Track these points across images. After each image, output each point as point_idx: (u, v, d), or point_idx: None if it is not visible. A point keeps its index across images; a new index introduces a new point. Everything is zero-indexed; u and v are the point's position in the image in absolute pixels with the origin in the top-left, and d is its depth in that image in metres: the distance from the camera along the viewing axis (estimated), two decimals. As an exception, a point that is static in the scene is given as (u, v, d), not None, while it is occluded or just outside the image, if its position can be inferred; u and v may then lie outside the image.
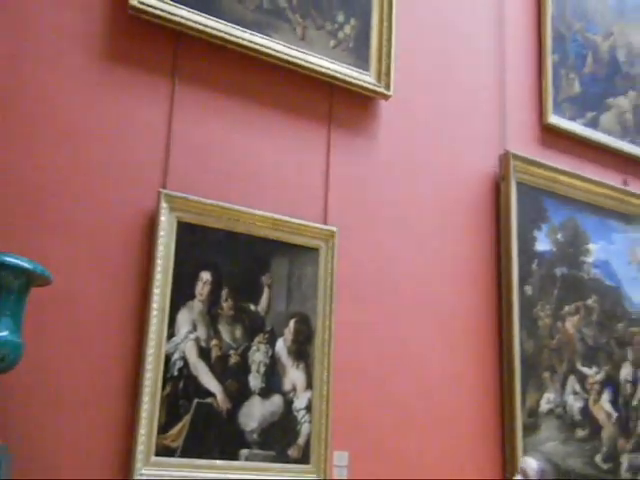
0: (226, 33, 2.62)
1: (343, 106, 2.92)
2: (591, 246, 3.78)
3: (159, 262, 2.34)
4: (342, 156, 2.89)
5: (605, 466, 3.55)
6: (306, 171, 2.78)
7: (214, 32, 2.59)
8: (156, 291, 2.33)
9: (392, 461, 2.84)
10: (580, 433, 3.53)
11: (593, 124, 3.80)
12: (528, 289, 3.49)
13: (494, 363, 3.30)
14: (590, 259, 3.77)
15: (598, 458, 3.55)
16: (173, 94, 2.51)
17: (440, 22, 3.41)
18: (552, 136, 3.67)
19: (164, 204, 2.38)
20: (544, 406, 3.43)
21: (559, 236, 3.66)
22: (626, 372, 3.78)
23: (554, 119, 3.61)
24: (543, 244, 3.59)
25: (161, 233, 2.37)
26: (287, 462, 2.59)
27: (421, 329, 3.04)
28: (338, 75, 2.86)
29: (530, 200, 3.54)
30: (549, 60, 3.58)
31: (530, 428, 3.33)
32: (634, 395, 3.78)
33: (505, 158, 3.41)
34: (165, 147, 2.45)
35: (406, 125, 3.15)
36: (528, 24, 3.70)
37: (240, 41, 2.66)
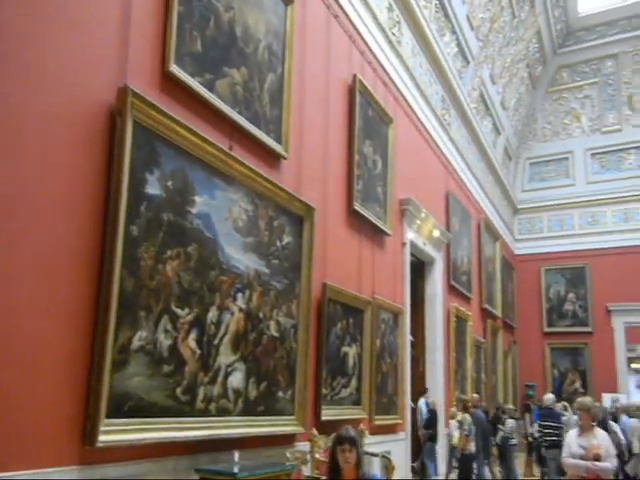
0: None
1: None
2: (196, 198, 3.84)
3: None
4: None
5: (184, 397, 3.65)
6: None
7: None
8: None
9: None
10: (166, 369, 3.53)
11: (210, 86, 3.88)
12: (134, 229, 3.32)
13: (90, 298, 3.01)
14: (194, 210, 3.82)
15: (179, 391, 3.62)
16: None
17: None
18: (172, 86, 3.59)
19: None
20: (136, 343, 3.31)
21: (169, 183, 3.60)
22: (212, 315, 3.98)
23: (175, 69, 3.53)
24: (153, 188, 3.47)
25: None
26: None
27: (12, 253, 2.54)
28: None
29: (145, 142, 3.37)
30: (175, 9, 3.47)
31: (120, 364, 3.17)
32: (216, 335, 4.01)
33: (123, 92, 3.15)
34: None
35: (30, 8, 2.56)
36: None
37: None
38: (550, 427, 7.51)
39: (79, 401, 2.89)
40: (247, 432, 4.20)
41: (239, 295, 4.27)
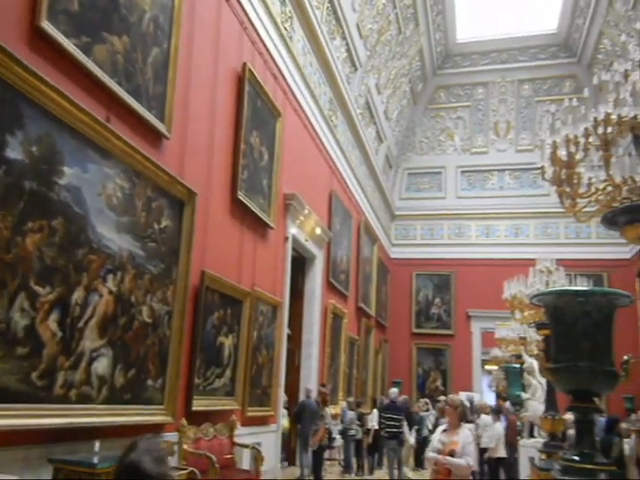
0: None
1: None
2: (66, 169, 3.55)
3: None
4: None
5: (40, 383, 3.34)
6: None
7: None
8: None
9: None
10: (21, 351, 3.21)
11: (86, 50, 3.60)
12: (-10, 196, 2.99)
13: None
14: (63, 181, 3.52)
15: (34, 375, 3.30)
16: None
17: None
18: (43, 44, 3.28)
19: None
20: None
21: (34, 149, 3.28)
22: (78, 296, 3.68)
23: (47, 25, 3.22)
24: (15, 152, 3.15)
25: None
26: None
27: None
28: None
29: (7, 101, 3.05)
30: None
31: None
32: (81, 318, 3.72)
33: (-16, 42, 2.82)
34: None
35: None
36: None
37: None
38: (392, 419, 7.86)
39: None
40: (111, 421, 3.94)
41: (109, 277, 4.00)
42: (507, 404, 10.10)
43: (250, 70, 6.13)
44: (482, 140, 15.86)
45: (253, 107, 6.35)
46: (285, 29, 7.12)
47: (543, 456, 5.40)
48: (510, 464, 8.25)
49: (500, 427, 7.71)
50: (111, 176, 3.98)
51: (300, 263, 8.91)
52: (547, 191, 13.00)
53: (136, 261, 4.28)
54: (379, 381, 14.01)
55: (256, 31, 6.40)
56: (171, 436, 4.63)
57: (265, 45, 6.68)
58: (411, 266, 15.81)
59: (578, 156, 3.25)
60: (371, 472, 9.00)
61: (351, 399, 9.81)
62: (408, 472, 8.20)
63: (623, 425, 7.35)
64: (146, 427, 4.37)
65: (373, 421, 8.98)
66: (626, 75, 3.10)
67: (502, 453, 7.74)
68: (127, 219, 4.18)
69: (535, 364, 7.68)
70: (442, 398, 10.16)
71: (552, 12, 13.30)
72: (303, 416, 7.64)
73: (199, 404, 5.19)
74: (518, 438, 8.30)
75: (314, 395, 8.08)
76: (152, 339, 4.49)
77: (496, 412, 7.96)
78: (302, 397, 8.17)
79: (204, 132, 5.36)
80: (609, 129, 3.02)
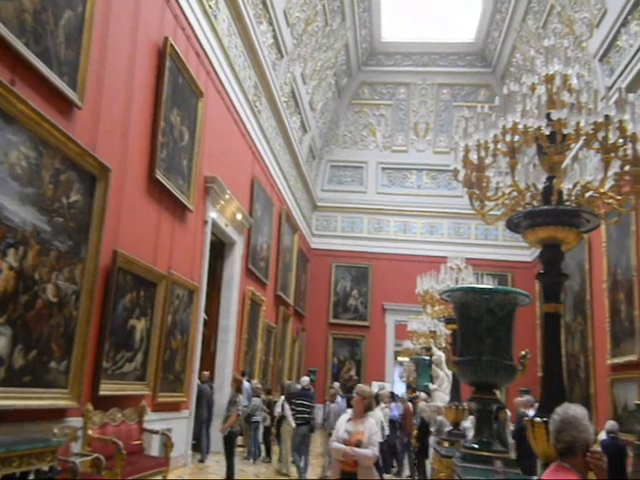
0: None
1: None
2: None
3: None
4: None
5: None
6: None
7: None
8: None
9: None
10: None
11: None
12: None
13: None
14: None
15: None
16: None
17: None
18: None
19: None
20: None
21: None
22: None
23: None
24: None
25: None
26: None
27: None
28: None
29: None
30: None
31: None
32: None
33: None
34: None
35: None
36: None
37: None
38: (303, 405, 7.98)
39: None
40: (9, 404, 3.70)
41: (10, 251, 3.74)
42: (401, 393, 10.48)
43: (172, 45, 5.91)
44: (402, 139, 16.29)
45: (174, 84, 6.13)
46: (210, 7, 6.92)
47: (446, 444, 5.63)
48: (397, 448, 8.64)
49: (378, 413, 7.97)
50: (14, 143, 3.71)
51: (219, 248, 8.76)
52: (460, 193, 13.51)
53: (41, 236, 4.02)
54: (295, 369, 14.09)
55: (179, 5, 6.17)
56: (75, 421, 4.41)
57: (188, 21, 6.46)
58: (331, 257, 16.01)
59: (487, 161, 3.39)
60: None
61: (259, 385, 9.76)
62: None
63: (504, 413, 7.86)
64: (49, 412, 4.14)
65: (279, 407, 9.02)
66: (532, 88, 3.27)
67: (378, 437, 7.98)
68: (32, 191, 3.91)
69: (443, 357, 7.98)
70: (336, 385, 10.21)
71: (471, 23, 13.83)
72: (200, 401, 7.66)
73: (107, 388, 4.97)
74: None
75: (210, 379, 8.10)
76: (57, 319, 4.25)
77: (375, 398, 8.27)
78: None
79: (120, 105, 5.11)
80: (516, 137, 3.18)
